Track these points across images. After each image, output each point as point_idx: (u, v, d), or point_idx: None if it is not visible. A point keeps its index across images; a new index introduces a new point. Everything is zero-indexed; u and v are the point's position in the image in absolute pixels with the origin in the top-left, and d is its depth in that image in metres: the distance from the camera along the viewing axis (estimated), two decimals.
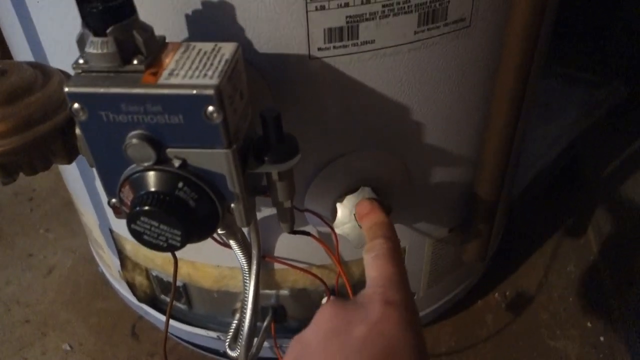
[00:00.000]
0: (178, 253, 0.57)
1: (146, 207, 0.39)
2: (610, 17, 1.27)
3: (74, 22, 0.46)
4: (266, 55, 0.45)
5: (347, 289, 0.57)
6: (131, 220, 0.40)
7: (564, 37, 1.18)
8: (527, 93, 0.53)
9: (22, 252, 1.01)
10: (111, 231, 0.69)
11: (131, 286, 0.76)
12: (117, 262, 0.74)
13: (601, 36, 1.30)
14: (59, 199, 1.12)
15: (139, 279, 0.75)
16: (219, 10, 0.43)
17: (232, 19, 0.43)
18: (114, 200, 0.44)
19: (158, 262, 0.68)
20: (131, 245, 0.69)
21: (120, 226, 0.68)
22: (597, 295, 0.88)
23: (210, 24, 0.44)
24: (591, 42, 1.31)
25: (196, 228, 0.41)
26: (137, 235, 0.41)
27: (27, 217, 1.08)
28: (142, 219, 0.39)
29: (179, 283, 0.69)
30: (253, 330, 0.60)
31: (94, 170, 0.61)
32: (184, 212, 0.40)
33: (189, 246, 0.60)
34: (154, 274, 0.73)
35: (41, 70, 0.44)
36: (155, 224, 0.40)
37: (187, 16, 0.44)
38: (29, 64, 0.44)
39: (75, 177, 0.66)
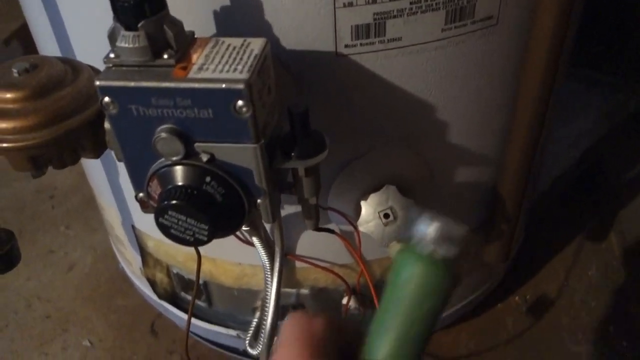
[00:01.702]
0: (200, 249, 0.57)
1: (174, 201, 0.39)
2: (632, 19, 1.26)
3: (102, 18, 0.46)
4: (293, 52, 0.45)
5: (370, 287, 0.57)
6: (159, 214, 0.40)
7: (585, 38, 1.17)
8: (553, 92, 0.53)
9: (43, 249, 1.02)
10: (133, 227, 0.70)
11: (152, 283, 0.76)
12: (139, 259, 0.75)
13: (623, 38, 1.28)
14: (79, 196, 1.13)
15: (160, 276, 0.76)
16: (247, 6, 0.43)
17: (260, 15, 0.44)
18: (141, 194, 0.44)
19: (180, 258, 0.68)
20: (153, 241, 0.69)
21: (142, 222, 0.68)
22: (619, 299, 0.87)
23: (238, 19, 0.44)
24: (612, 44, 1.29)
25: (223, 223, 0.41)
26: (164, 229, 0.41)
27: (48, 215, 1.10)
28: (170, 212, 0.40)
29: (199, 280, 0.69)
30: (275, 328, 0.60)
31: (119, 166, 0.62)
32: (211, 206, 0.40)
33: (210, 243, 0.61)
34: (174, 271, 0.73)
35: (71, 66, 0.44)
36: (183, 218, 0.40)
37: (215, 12, 0.44)
38: (59, 59, 0.44)
39: (99, 173, 0.67)
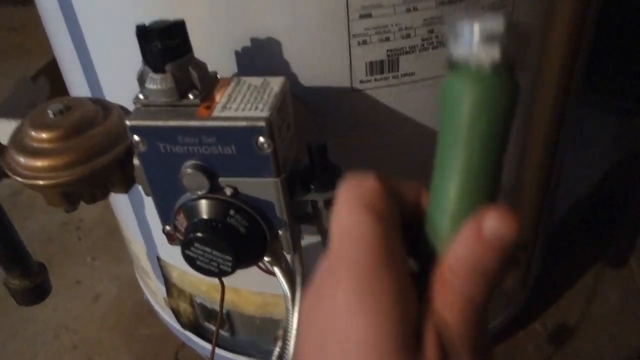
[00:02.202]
0: (223, 280, 0.59)
1: (200, 234, 0.41)
2: None
3: (131, 62, 0.49)
4: (310, 88, 0.47)
5: None
6: (185, 246, 0.42)
7: (599, 64, 1.18)
8: (565, 120, 0.54)
9: (70, 280, 1.04)
10: (158, 259, 0.72)
11: (176, 313, 0.78)
12: (163, 289, 0.77)
13: (637, 63, 1.29)
14: (104, 228, 1.16)
15: (184, 306, 0.77)
16: (267, 47, 0.46)
17: (279, 54, 0.46)
18: (168, 227, 0.46)
19: (203, 288, 0.70)
20: (177, 272, 0.71)
21: (167, 254, 0.70)
22: None
23: (257, 59, 0.46)
24: (627, 70, 1.30)
25: (246, 254, 0.43)
26: (190, 261, 0.43)
27: (74, 246, 1.12)
28: (195, 245, 0.42)
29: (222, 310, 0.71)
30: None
31: (145, 200, 0.64)
32: (235, 238, 0.42)
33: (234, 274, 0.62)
34: (198, 300, 0.74)
35: (102, 106, 0.47)
36: (208, 250, 0.42)
37: (236, 52, 0.46)
38: (91, 99, 0.47)
39: (126, 206, 0.69)
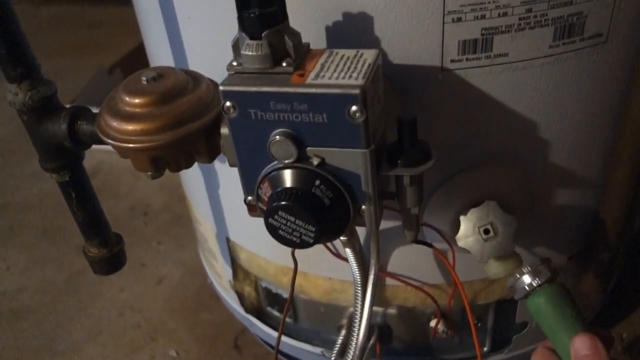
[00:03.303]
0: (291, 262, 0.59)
1: (284, 202, 0.41)
2: None
3: (218, 35, 0.50)
4: (399, 66, 0.47)
5: (466, 306, 0.57)
6: (269, 214, 0.42)
7: None
8: None
9: (135, 262, 1.07)
10: (227, 240, 0.72)
11: (240, 296, 0.78)
12: (229, 272, 0.77)
13: None
14: (170, 214, 1.18)
15: (248, 290, 0.78)
16: (358, 22, 0.45)
17: (370, 29, 0.45)
18: (250, 198, 0.46)
19: (270, 271, 0.70)
20: (246, 254, 0.72)
21: (237, 235, 0.71)
22: None
23: (348, 34, 0.46)
24: None
25: (328, 226, 0.42)
26: (272, 229, 0.43)
27: (141, 230, 1.15)
28: (279, 213, 0.41)
29: (288, 294, 0.71)
30: (365, 346, 0.60)
31: (219, 179, 0.65)
32: (319, 209, 0.41)
33: (302, 256, 0.62)
34: (263, 285, 0.75)
35: (192, 76, 0.48)
36: (292, 219, 0.41)
37: (327, 27, 0.46)
38: (183, 70, 0.48)
39: (199, 186, 0.70)
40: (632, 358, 0.80)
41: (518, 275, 0.48)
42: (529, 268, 0.48)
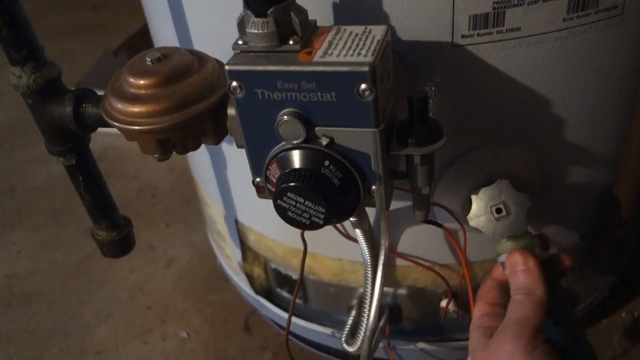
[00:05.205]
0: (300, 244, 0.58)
1: (294, 183, 0.40)
2: None
3: (222, 14, 0.49)
4: (408, 42, 0.46)
5: (469, 289, 0.56)
6: (278, 195, 0.41)
7: None
8: None
9: (144, 245, 1.07)
10: (236, 222, 0.72)
11: (249, 278, 0.78)
12: (238, 254, 0.77)
13: None
14: (178, 196, 1.18)
15: (257, 271, 0.78)
16: None
17: (378, 5, 0.44)
18: (258, 179, 0.45)
19: (280, 253, 0.70)
20: (255, 235, 0.71)
21: (245, 217, 0.70)
22: None
23: (356, 10, 0.45)
24: None
25: (338, 207, 0.42)
26: (282, 211, 0.42)
27: (149, 213, 1.15)
28: (288, 194, 0.41)
29: (297, 275, 0.70)
30: (376, 327, 0.60)
31: (227, 161, 0.64)
32: (328, 189, 0.41)
33: (312, 237, 0.62)
34: (272, 266, 0.74)
35: (197, 56, 0.47)
36: (301, 200, 0.41)
37: (334, 3, 0.45)
38: (188, 50, 0.47)
39: (207, 168, 0.69)
40: None
41: None
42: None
